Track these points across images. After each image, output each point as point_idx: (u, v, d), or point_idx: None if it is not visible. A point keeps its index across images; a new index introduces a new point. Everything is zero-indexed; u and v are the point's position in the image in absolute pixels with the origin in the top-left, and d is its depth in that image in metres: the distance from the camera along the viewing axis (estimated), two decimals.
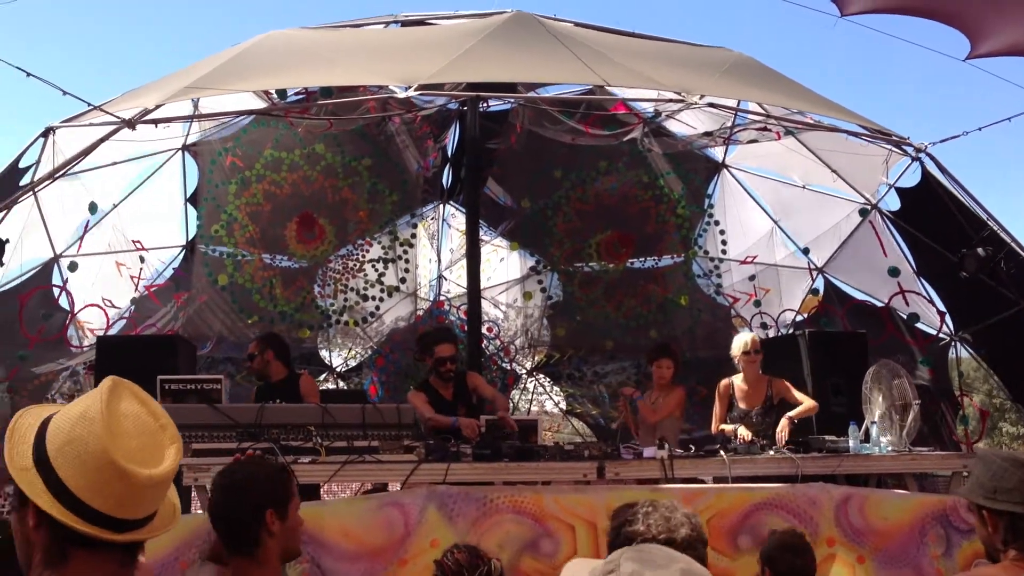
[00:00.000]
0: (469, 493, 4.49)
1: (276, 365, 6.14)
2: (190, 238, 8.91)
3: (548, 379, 9.81)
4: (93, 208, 7.95)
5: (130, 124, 5.34)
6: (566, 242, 9.35)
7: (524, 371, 9.63)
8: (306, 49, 5.92)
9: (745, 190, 9.59)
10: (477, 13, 7.38)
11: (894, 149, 7.27)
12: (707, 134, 7.98)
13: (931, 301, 8.42)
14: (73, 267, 8.00)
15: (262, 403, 4.95)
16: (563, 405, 10.00)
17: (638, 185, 9.25)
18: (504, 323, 9.57)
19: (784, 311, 9.43)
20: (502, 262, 9.74)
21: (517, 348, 9.55)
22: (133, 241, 8.53)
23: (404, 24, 7.84)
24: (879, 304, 8.76)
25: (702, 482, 5.47)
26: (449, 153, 9.55)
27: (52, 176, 5.79)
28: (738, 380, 6.19)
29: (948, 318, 8.38)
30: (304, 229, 8.82)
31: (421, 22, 7.79)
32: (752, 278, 9.41)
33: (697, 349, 8.91)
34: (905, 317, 8.48)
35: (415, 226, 9.29)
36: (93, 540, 1.38)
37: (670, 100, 6.78)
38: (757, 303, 9.36)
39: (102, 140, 5.50)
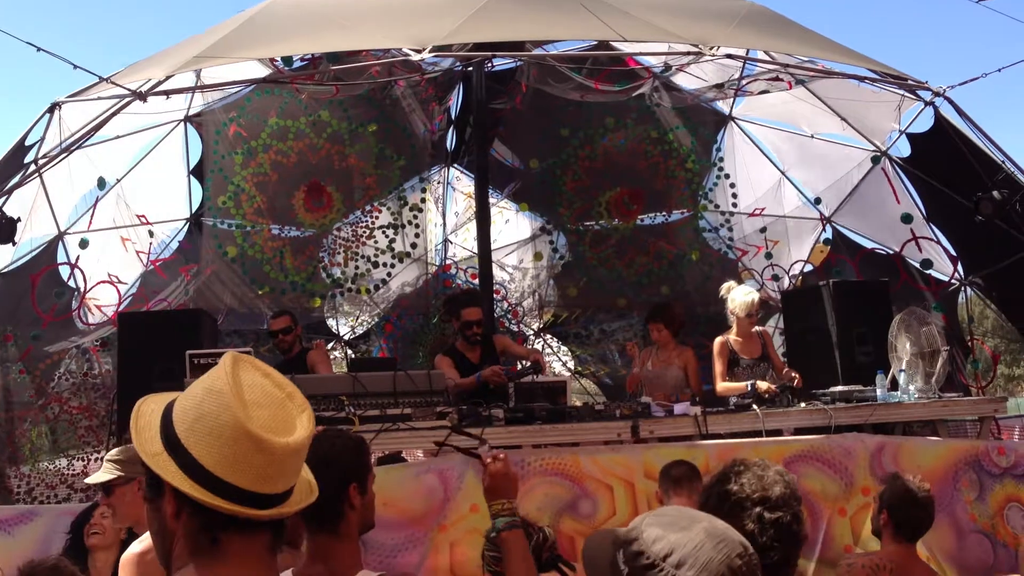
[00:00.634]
0: (507, 457, 4.50)
1: (297, 341, 6.53)
2: (195, 210, 8.82)
3: (556, 339, 9.79)
4: (102, 183, 7.84)
5: (142, 96, 5.22)
6: (576, 200, 9.27)
7: (532, 332, 9.62)
8: (315, 13, 5.76)
9: (753, 142, 9.48)
10: None
11: (907, 95, 7.17)
12: (717, 86, 7.84)
13: (943, 247, 8.41)
14: (84, 244, 7.88)
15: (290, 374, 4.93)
16: (571, 365, 10.01)
17: (647, 140, 9.15)
18: (511, 285, 9.53)
19: (795, 262, 9.42)
20: (507, 224, 9.68)
21: (525, 310, 9.53)
22: (138, 215, 8.42)
23: None
24: (890, 252, 8.75)
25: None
26: (453, 115, 9.42)
27: (66, 151, 5.66)
28: (733, 335, 6.29)
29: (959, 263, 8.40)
30: (312, 197, 8.74)
31: None
32: (763, 230, 9.36)
33: (709, 305, 8.89)
34: (918, 264, 8.47)
35: (424, 191, 9.20)
36: (239, 521, 1.31)
37: (681, 53, 6.66)
38: (768, 255, 9.33)
39: (113, 113, 5.38)
